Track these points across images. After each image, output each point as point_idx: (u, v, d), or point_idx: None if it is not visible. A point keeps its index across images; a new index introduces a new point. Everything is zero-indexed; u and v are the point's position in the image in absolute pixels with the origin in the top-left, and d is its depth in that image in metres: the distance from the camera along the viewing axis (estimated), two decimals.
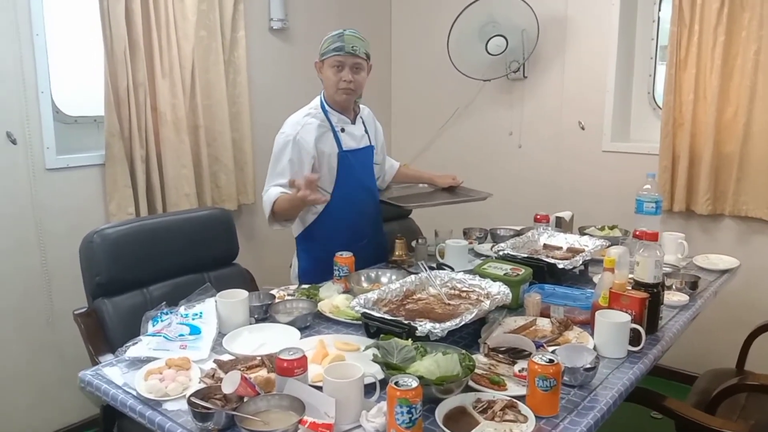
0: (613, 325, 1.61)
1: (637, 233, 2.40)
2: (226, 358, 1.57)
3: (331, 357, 1.53)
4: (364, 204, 2.43)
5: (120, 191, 2.74)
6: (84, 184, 2.71)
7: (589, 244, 2.38)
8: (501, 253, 2.23)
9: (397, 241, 2.41)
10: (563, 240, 2.46)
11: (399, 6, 4.13)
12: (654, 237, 1.76)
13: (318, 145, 2.26)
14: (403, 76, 4.19)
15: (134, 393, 1.41)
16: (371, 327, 1.67)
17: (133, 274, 2.05)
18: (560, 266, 2.09)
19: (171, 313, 1.76)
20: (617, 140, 3.37)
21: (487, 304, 1.69)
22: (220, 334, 1.71)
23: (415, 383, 1.22)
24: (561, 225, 2.71)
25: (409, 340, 1.48)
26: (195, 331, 1.67)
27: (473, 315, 1.61)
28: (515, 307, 1.93)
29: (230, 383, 1.27)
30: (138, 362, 1.56)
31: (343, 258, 2.11)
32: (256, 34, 3.28)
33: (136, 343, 1.63)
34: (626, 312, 1.65)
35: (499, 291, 1.80)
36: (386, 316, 1.61)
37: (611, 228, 2.73)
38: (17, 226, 2.52)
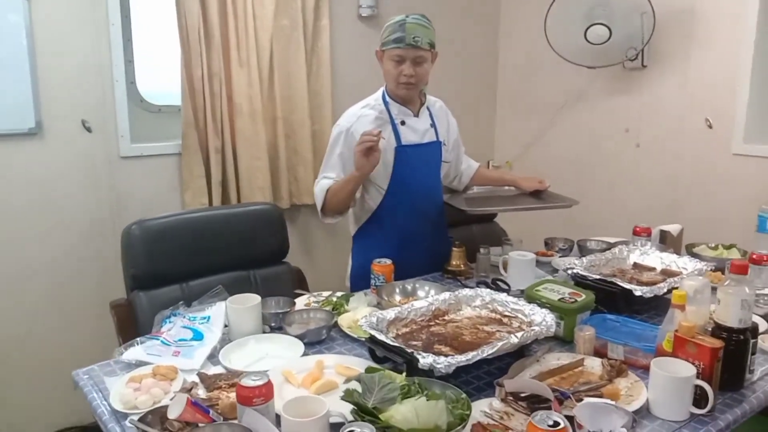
0: (671, 379, 1.27)
1: (755, 257, 1.97)
2: (217, 370, 1.45)
3: (320, 383, 1.35)
4: (423, 205, 2.20)
5: (195, 181, 2.74)
6: (160, 172, 2.74)
7: (688, 266, 1.98)
8: (570, 272, 1.92)
9: (454, 249, 2.15)
10: (658, 259, 2.07)
11: None
12: (743, 269, 1.38)
13: None
14: (510, 67, 3.86)
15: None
16: (378, 352, 1.46)
17: (172, 269, 2.00)
18: (637, 293, 1.74)
19: (181, 315, 1.67)
20: (752, 142, 2.83)
21: (517, 338, 1.41)
22: (230, 343, 1.59)
23: None
24: (665, 240, 2.31)
25: (403, 374, 1.26)
26: (198, 336, 1.57)
27: (494, 349, 1.35)
28: (570, 341, 1.62)
29: (176, 407, 1.14)
30: (132, 366, 1.48)
31: (380, 266, 1.90)
32: (342, 22, 3.14)
33: (135, 345, 1.55)
34: (692, 363, 1.30)
35: (543, 321, 1.51)
36: (388, 341, 1.39)
37: (727, 248, 2.28)
38: (94, 211, 2.60)
